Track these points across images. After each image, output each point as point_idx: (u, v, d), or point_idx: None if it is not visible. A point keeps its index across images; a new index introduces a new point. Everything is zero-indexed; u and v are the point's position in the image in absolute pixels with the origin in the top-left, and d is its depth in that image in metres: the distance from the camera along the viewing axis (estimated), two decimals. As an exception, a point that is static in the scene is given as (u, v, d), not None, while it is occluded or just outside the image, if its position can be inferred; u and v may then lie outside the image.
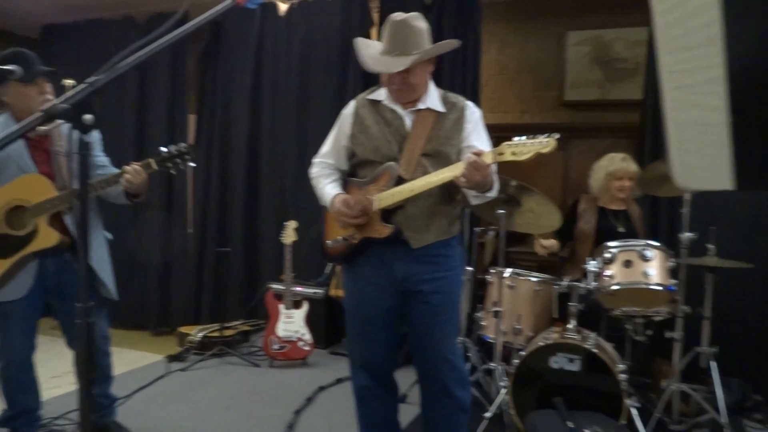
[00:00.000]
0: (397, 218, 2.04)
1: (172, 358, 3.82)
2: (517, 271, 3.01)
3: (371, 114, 2.11)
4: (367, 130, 2.10)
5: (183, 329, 4.21)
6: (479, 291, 3.36)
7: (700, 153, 0.76)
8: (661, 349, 2.96)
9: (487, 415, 2.69)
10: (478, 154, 1.82)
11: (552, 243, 3.18)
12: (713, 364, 2.80)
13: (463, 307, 3.35)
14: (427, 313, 2.08)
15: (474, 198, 2.07)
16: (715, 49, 0.68)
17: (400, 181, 2.01)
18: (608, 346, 2.78)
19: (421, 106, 2.07)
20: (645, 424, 2.56)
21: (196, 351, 3.93)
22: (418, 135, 2.05)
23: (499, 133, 5.19)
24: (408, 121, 2.07)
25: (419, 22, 2.02)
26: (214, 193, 4.78)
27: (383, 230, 2.03)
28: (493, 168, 2.02)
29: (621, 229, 3.19)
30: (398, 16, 2.00)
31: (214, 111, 4.82)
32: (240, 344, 4.12)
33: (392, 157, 2.04)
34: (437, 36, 4.04)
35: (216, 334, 4.01)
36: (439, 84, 2.19)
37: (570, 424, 2.31)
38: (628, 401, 2.48)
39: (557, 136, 1.74)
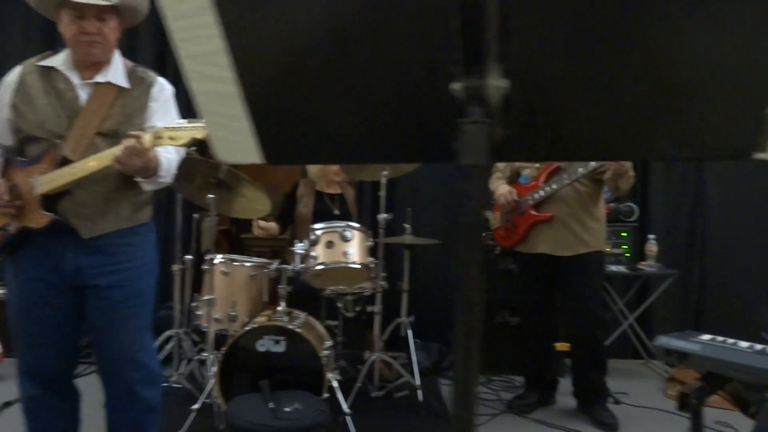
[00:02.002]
0: (64, 205, 1.82)
1: None
2: (232, 257, 2.96)
3: (40, 83, 1.84)
4: (32, 101, 1.83)
5: None
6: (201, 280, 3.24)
7: (228, 126, 0.76)
8: (371, 323, 3.19)
9: (195, 407, 2.60)
10: (137, 137, 1.69)
11: (269, 225, 3.20)
12: (410, 332, 3.12)
13: (177, 299, 3.21)
14: (107, 309, 1.90)
15: (145, 184, 1.91)
16: (209, 19, 0.66)
17: (65, 162, 1.79)
18: (318, 325, 2.90)
19: (100, 79, 1.85)
20: (349, 394, 2.72)
21: None
22: (94, 111, 1.84)
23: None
24: (83, 94, 1.85)
25: None
26: None
27: (40, 219, 1.80)
28: (179, 152, 1.91)
29: (336, 212, 3.35)
30: None
31: None
32: None
33: (59, 134, 1.81)
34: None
35: None
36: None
37: (271, 405, 2.34)
38: (329, 375, 2.61)
39: None
